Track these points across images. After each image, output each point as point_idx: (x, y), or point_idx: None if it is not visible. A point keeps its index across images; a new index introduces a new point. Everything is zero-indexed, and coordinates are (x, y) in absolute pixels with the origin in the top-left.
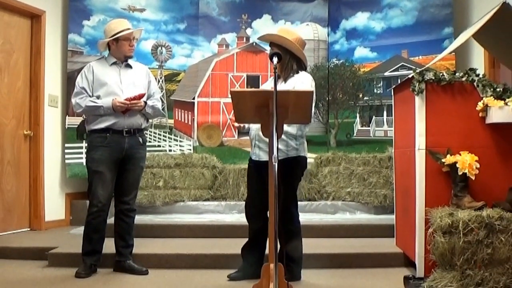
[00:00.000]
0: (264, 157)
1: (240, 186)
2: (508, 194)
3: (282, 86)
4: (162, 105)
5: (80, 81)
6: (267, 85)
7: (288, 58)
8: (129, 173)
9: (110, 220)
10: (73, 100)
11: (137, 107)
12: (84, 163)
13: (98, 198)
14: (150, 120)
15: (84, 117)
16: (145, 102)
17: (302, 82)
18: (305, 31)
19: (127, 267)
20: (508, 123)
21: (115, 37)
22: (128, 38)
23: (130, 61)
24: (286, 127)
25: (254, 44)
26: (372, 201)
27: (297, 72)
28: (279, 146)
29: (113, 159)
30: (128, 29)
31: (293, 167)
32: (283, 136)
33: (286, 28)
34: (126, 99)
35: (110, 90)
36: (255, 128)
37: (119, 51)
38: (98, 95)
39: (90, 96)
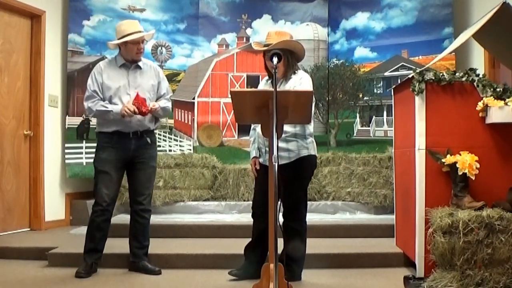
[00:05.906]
0: None
1: (240, 186)
2: (508, 194)
3: (282, 87)
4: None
5: (91, 84)
6: (261, 87)
7: (291, 58)
8: (139, 172)
9: (114, 220)
10: (85, 104)
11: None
12: (84, 163)
13: (103, 197)
14: (160, 120)
15: (84, 117)
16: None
17: (301, 83)
18: (305, 31)
19: (140, 267)
20: (508, 123)
21: (123, 40)
22: (137, 41)
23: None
24: (293, 128)
25: None
26: (372, 201)
27: (295, 73)
28: (291, 147)
29: (120, 159)
30: (139, 31)
31: (305, 166)
32: (292, 137)
33: (277, 30)
34: (132, 106)
35: (117, 93)
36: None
37: (127, 54)
38: (106, 98)
39: (101, 98)
